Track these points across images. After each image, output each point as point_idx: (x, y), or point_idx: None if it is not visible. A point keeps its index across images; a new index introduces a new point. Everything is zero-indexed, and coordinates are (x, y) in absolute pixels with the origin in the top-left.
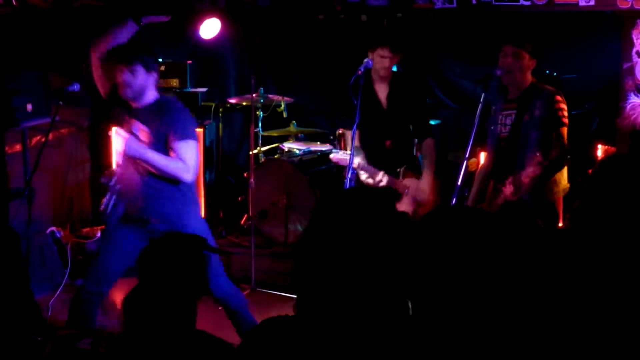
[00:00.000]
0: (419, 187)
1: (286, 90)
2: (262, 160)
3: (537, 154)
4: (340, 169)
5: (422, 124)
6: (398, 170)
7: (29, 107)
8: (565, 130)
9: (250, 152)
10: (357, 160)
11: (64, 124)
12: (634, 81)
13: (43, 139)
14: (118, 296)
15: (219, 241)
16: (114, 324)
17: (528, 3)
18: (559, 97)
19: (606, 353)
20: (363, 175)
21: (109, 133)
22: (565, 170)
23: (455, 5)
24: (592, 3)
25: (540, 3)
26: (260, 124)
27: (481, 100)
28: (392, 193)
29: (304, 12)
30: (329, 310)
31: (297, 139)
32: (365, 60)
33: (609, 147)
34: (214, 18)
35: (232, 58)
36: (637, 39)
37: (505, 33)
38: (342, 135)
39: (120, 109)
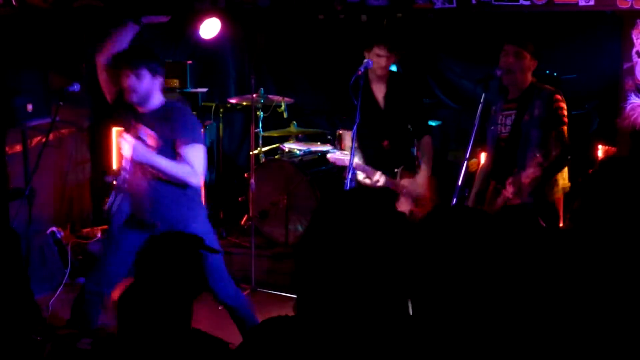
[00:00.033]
0: (415, 182)
1: (286, 91)
2: (263, 160)
3: (537, 155)
4: (340, 169)
5: (420, 122)
6: (395, 170)
7: (29, 107)
8: (565, 128)
9: (251, 153)
10: (355, 160)
11: (64, 124)
12: (634, 81)
13: (43, 139)
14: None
15: (219, 241)
16: (115, 324)
17: (528, 3)
18: (558, 96)
19: (606, 353)
20: (360, 175)
21: (110, 134)
22: (565, 169)
23: (455, 5)
24: (592, 3)
25: (540, 3)
26: (260, 125)
27: (481, 100)
28: (390, 193)
29: (304, 12)
30: (329, 310)
31: (298, 140)
32: (366, 60)
33: (609, 147)
34: (214, 18)
35: (232, 58)
36: (637, 39)
37: (505, 33)
38: (341, 135)
39: (127, 114)
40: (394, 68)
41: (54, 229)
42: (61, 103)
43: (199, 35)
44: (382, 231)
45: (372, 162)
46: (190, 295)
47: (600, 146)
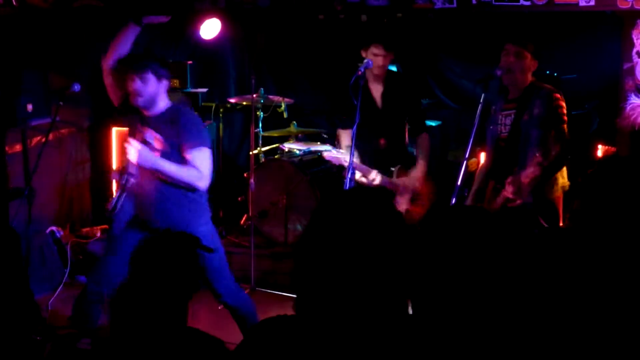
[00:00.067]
0: (412, 176)
1: (286, 91)
2: (263, 160)
3: (537, 154)
4: (340, 169)
5: (417, 120)
6: (392, 169)
7: (29, 107)
8: (565, 127)
9: (251, 153)
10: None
11: (64, 124)
12: (634, 81)
13: (43, 139)
14: None
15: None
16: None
17: (528, 3)
18: (557, 95)
19: (606, 353)
20: (357, 174)
21: (110, 134)
22: (564, 168)
23: (455, 5)
24: (592, 3)
25: (540, 3)
26: (260, 124)
27: (481, 100)
28: (387, 193)
29: (304, 12)
30: (329, 309)
31: (298, 139)
32: (366, 60)
33: (609, 147)
34: (214, 18)
35: (232, 58)
36: (637, 39)
37: (505, 33)
38: (338, 134)
39: (133, 118)
40: (393, 68)
41: (54, 228)
42: (61, 103)
43: (199, 35)
44: (381, 230)
45: (369, 160)
46: (186, 294)
47: (600, 146)
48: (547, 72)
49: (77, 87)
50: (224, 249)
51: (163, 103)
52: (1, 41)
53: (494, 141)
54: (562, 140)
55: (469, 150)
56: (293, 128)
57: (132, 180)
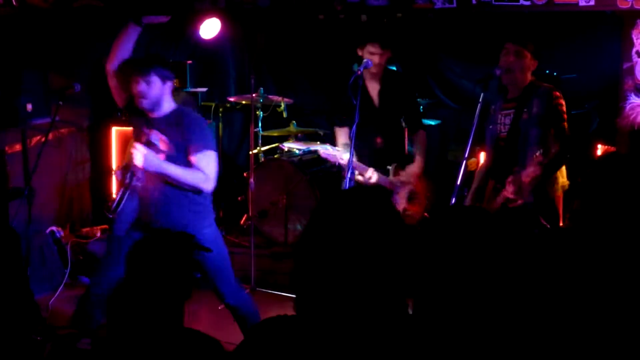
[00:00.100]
0: (408, 172)
1: (286, 90)
2: (262, 160)
3: (538, 153)
4: (340, 168)
5: (414, 118)
6: (388, 167)
7: (29, 107)
8: (566, 124)
9: (250, 152)
10: (347, 157)
11: (64, 124)
12: (634, 81)
13: (43, 139)
14: None
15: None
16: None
17: (528, 3)
18: (557, 93)
19: (606, 352)
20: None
21: (110, 134)
22: (564, 167)
23: (455, 5)
24: (592, 3)
25: (540, 3)
26: (260, 124)
27: (480, 100)
28: (386, 192)
29: (304, 12)
30: (328, 309)
31: (297, 139)
32: (365, 60)
33: (609, 147)
34: (214, 18)
35: (232, 58)
36: (637, 39)
37: (505, 33)
38: (334, 132)
39: (138, 120)
40: (393, 68)
41: (54, 228)
42: (61, 103)
43: (199, 35)
44: (381, 230)
45: (366, 159)
46: (182, 294)
47: (600, 146)
48: (547, 71)
49: (77, 88)
50: (227, 250)
51: (168, 105)
52: (1, 41)
53: (494, 141)
54: (562, 139)
55: (468, 150)
56: (293, 128)
57: (138, 183)
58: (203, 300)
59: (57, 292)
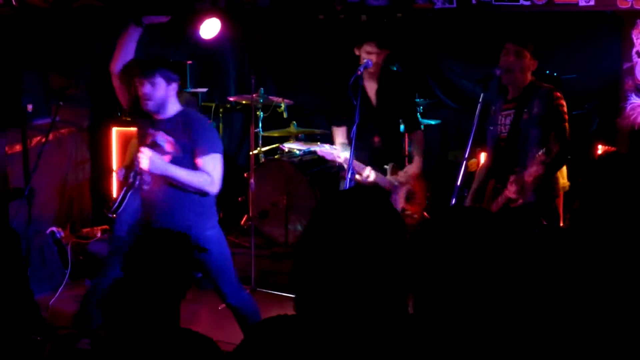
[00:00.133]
0: (406, 172)
1: (286, 91)
2: (262, 160)
3: (539, 153)
4: (340, 168)
5: (411, 117)
6: (385, 166)
7: (29, 107)
8: (567, 125)
9: (251, 153)
10: (344, 156)
11: (64, 124)
12: (634, 81)
13: (43, 139)
14: None
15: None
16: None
17: (528, 3)
18: (557, 94)
19: (606, 352)
20: None
21: (110, 134)
22: (564, 168)
23: (455, 5)
24: (592, 3)
25: (540, 3)
26: (260, 124)
27: (480, 100)
28: (385, 191)
29: (304, 12)
30: (328, 309)
31: (298, 140)
32: (365, 60)
33: (609, 147)
34: (214, 18)
35: (232, 58)
36: (637, 39)
37: (505, 33)
38: (332, 131)
39: (143, 122)
40: (392, 67)
41: (54, 228)
42: (61, 103)
43: (199, 35)
44: (380, 229)
45: (363, 158)
46: (178, 294)
47: (600, 146)
48: (547, 72)
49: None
50: (230, 251)
51: (173, 106)
52: (1, 41)
53: (494, 141)
54: (562, 139)
55: (468, 150)
56: (293, 128)
57: (145, 187)
58: (203, 300)
59: (57, 292)
